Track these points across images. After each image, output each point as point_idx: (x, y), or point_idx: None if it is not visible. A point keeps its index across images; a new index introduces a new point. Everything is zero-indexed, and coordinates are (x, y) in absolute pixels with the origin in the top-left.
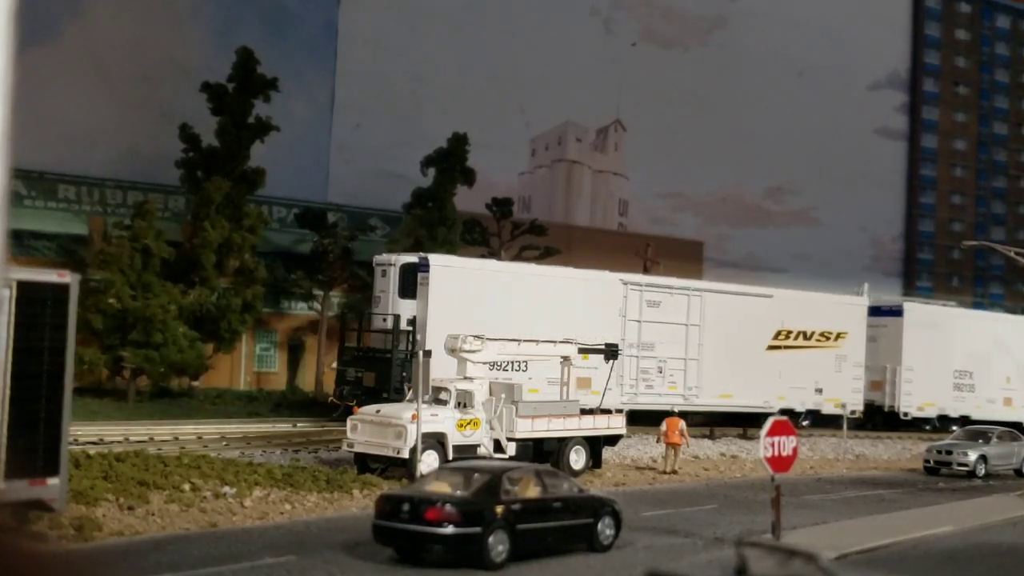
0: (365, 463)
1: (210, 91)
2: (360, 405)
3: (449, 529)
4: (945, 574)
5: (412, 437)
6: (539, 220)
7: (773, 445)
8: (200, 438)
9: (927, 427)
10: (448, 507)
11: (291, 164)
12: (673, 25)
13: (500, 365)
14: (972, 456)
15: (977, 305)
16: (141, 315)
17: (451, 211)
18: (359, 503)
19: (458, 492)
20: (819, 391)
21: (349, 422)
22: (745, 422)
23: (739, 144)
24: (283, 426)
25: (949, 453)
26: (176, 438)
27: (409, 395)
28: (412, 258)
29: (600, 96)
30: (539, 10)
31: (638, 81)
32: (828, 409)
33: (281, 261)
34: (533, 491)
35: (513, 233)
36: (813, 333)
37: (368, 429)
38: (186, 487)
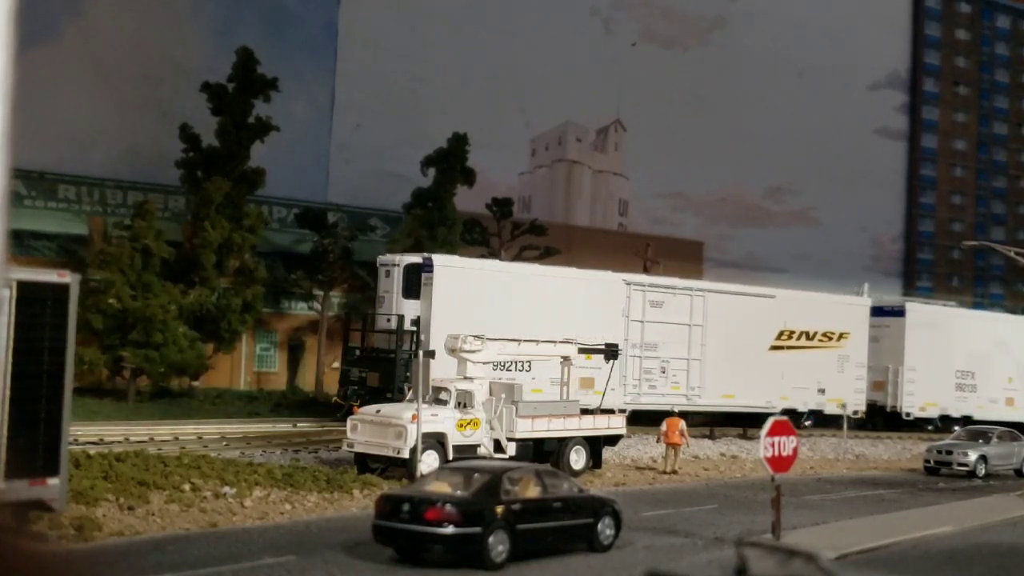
0: (365, 463)
1: (210, 91)
2: (362, 405)
3: (449, 529)
4: (945, 574)
5: (412, 437)
6: (539, 220)
7: (773, 445)
8: (200, 438)
9: (929, 427)
10: (448, 507)
11: (291, 164)
12: (673, 25)
13: (503, 365)
14: (972, 456)
15: (977, 305)
16: (141, 315)
17: (451, 211)
18: (359, 503)
19: (458, 492)
20: (822, 391)
21: (349, 422)
22: (747, 422)
23: (739, 144)
24: (283, 426)
25: (949, 453)
26: (176, 438)
27: (409, 395)
28: (416, 258)
29: (600, 96)
30: (539, 10)
31: (638, 81)
32: (830, 409)
33: (281, 261)
34: (533, 491)
35: (513, 233)
36: (816, 333)
37: (368, 429)
38: (186, 487)
